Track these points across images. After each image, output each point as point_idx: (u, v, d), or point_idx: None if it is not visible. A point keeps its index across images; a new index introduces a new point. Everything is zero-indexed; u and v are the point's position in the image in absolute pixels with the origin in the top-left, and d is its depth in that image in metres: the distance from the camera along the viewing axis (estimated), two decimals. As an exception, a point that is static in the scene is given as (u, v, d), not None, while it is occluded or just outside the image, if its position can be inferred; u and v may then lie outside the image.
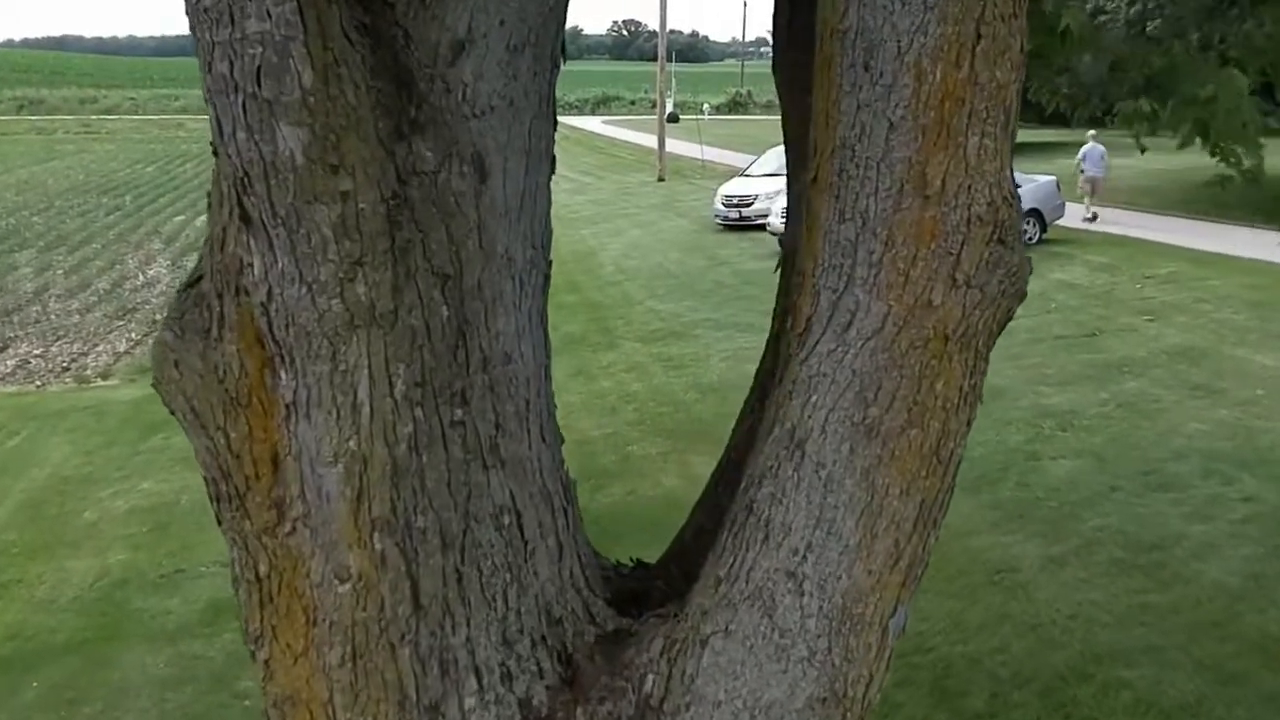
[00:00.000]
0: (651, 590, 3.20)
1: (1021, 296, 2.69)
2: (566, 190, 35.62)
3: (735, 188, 25.95)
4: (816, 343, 2.65)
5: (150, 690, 7.67)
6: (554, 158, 3.03)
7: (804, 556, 2.68)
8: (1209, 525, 8.18)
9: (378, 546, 2.69)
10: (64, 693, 8.01)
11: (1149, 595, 7.29)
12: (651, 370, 14.47)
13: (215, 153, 2.57)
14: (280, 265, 2.54)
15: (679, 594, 3.12)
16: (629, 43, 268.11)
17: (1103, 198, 22.64)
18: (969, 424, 2.74)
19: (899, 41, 2.43)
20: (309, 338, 2.59)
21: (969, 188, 2.51)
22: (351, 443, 2.66)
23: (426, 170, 2.61)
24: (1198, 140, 3.36)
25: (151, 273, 25.20)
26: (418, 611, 2.72)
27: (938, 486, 2.71)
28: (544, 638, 2.86)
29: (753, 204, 24.45)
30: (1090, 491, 9.01)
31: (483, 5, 2.72)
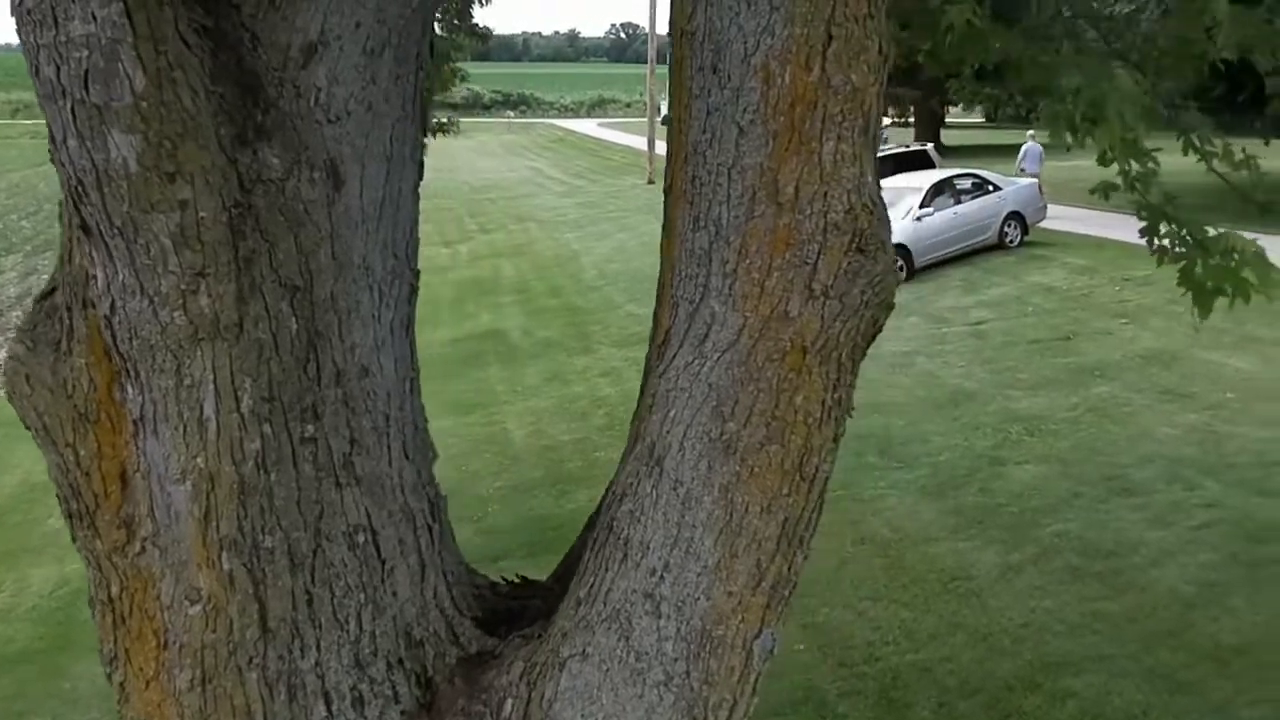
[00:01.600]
0: (527, 609, 3.10)
1: (888, 307, 2.60)
2: (555, 194, 35.55)
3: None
4: (674, 355, 2.56)
5: (100, 701, 7.59)
6: (421, 163, 2.93)
7: (661, 577, 2.58)
8: (1168, 531, 8.09)
9: (225, 567, 2.60)
10: (14, 704, 7.92)
11: (1103, 603, 7.19)
12: (626, 375, 14.37)
13: (53, 160, 2.48)
14: (121, 277, 2.45)
15: (555, 610, 3.02)
16: (627, 45, 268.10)
17: (1090, 200, 22.47)
18: (836, 439, 2.65)
19: (745, 43, 2.34)
20: (153, 351, 2.50)
21: (825, 195, 2.42)
22: (199, 459, 2.57)
23: (273, 178, 2.51)
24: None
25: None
26: (266, 634, 2.63)
27: (802, 504, 2.62)
28: (401, 660, 2.76)
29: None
30: (1052, 497, 8.91)
31: (337, 7, 2.63)
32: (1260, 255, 3.15)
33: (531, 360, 15.55)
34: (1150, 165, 3.43)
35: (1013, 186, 19.84)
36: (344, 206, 2.66)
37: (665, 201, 2.58)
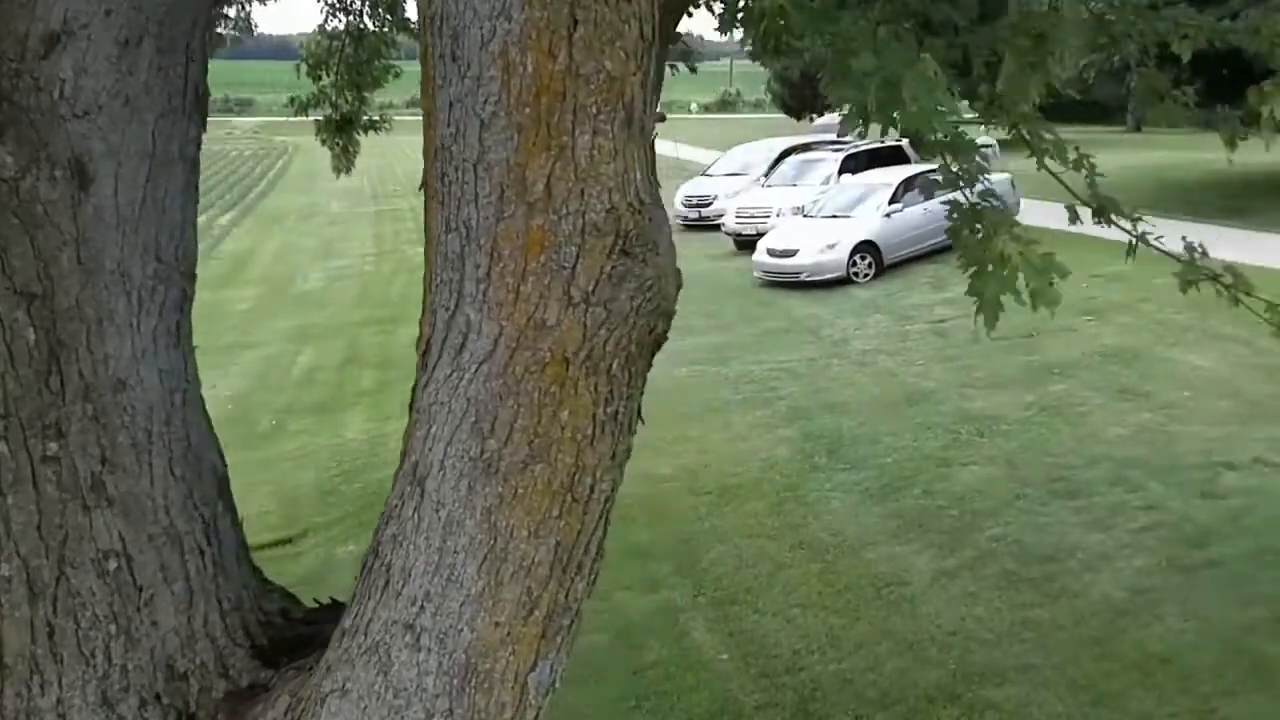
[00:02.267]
0: (318, 636, 2.91)
1: (666, 314, 2.41)
2: (538, 190, 35.32)
3: (695, 187, 25.65)
4: (434, 367, 2.37)
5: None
6: (195, 160, 2.73)
7: (422, 607, 2.39)
8: (1106, 535, 7.90)
9: (-40, 596, 2.41)
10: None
11: (1034, 610, 7.01)
12: (584, 374, 14.19)
13: None
14: None
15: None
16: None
17: (1069, 197, 22.29)
18: (614, 456, 2.46)
19: (482, 28, 2.14)
20: None
21: (581, 193, 2.22)
22: (-72, 481, 2.37)
23: (6, 176, 2.33)
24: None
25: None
26: (1, 670, 2.44)
27: (577, 527, 2.42)
28: (159, 695, 2.57)
29: (712, 204, 24.15)
30: (995, 500, 8.73)
31: (83, -8, 2.45)
32: (1038, 261, 2.93)
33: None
34: (976, 161, 3.25)
35: (988, 182, 19.59)
36: (93, 207, 2.46)
37: (425, 203, 2.39)
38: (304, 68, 8.93)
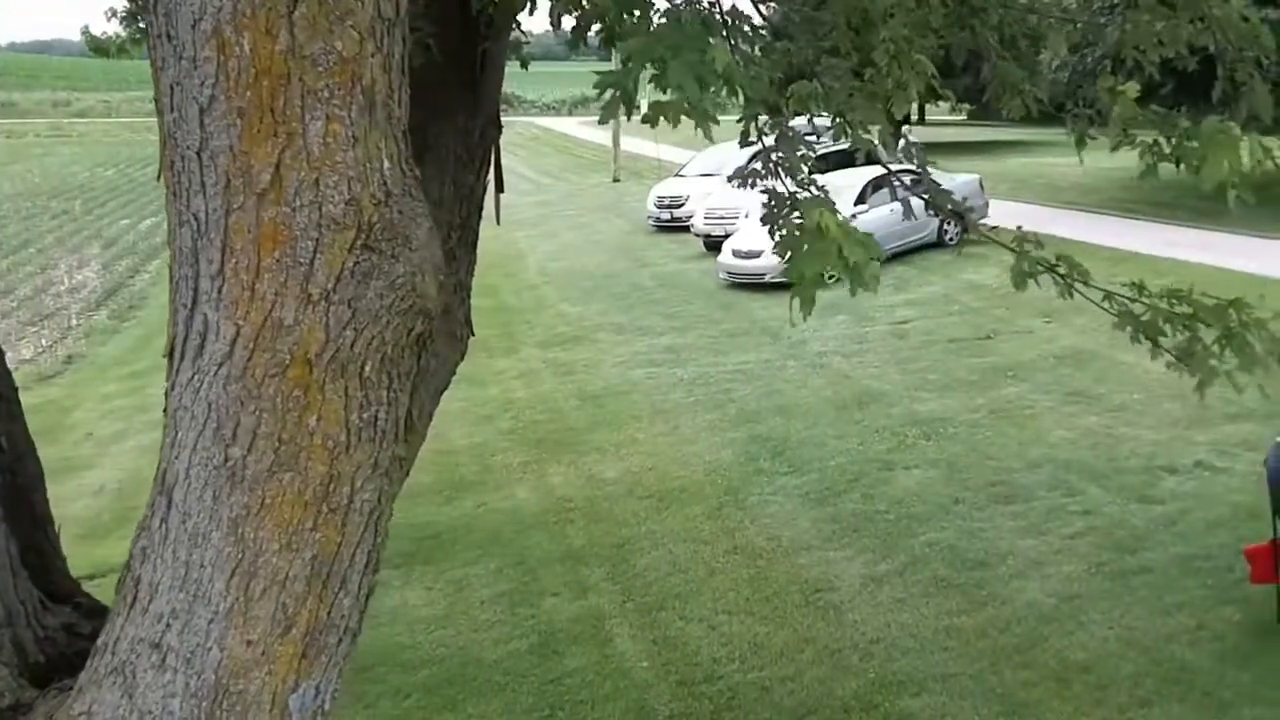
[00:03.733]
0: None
1: (425, 313, 2.27)
2: (519, 191, 35.13)
3: (667, 189, 25.48)
4: (178, 370, 2.23)
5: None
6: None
7: (169, 624, 2.25)
8: (1039, 540, 7.77)
9: None
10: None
11: (959, 617, 6.87)
12: (542, 376, 14.06)
13: None
14: None
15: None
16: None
17: (1045, 197, 22.34)
18: (376, 464, 2.32)
19: (193, 5, 2.00)
20: None
21: (316, 183, 2.09)
22: None
23: None
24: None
25: (79, 277, 24.69)
26: None
27: (336, 540, 2.29)
28: (-95, 718, 2.44)
29: (684, 205, 24.00)
30: (933, 504, 8.59)
31: None
32: (860, 235, 2.80)
33: (452, 362, 15.18)
34: (800, 152, 3.14)
35: (953, 183, 19.48)
36: None
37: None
38: None
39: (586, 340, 15.53)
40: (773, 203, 3.08)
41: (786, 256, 2.87)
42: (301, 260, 2.10)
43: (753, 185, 3.38)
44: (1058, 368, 11.83)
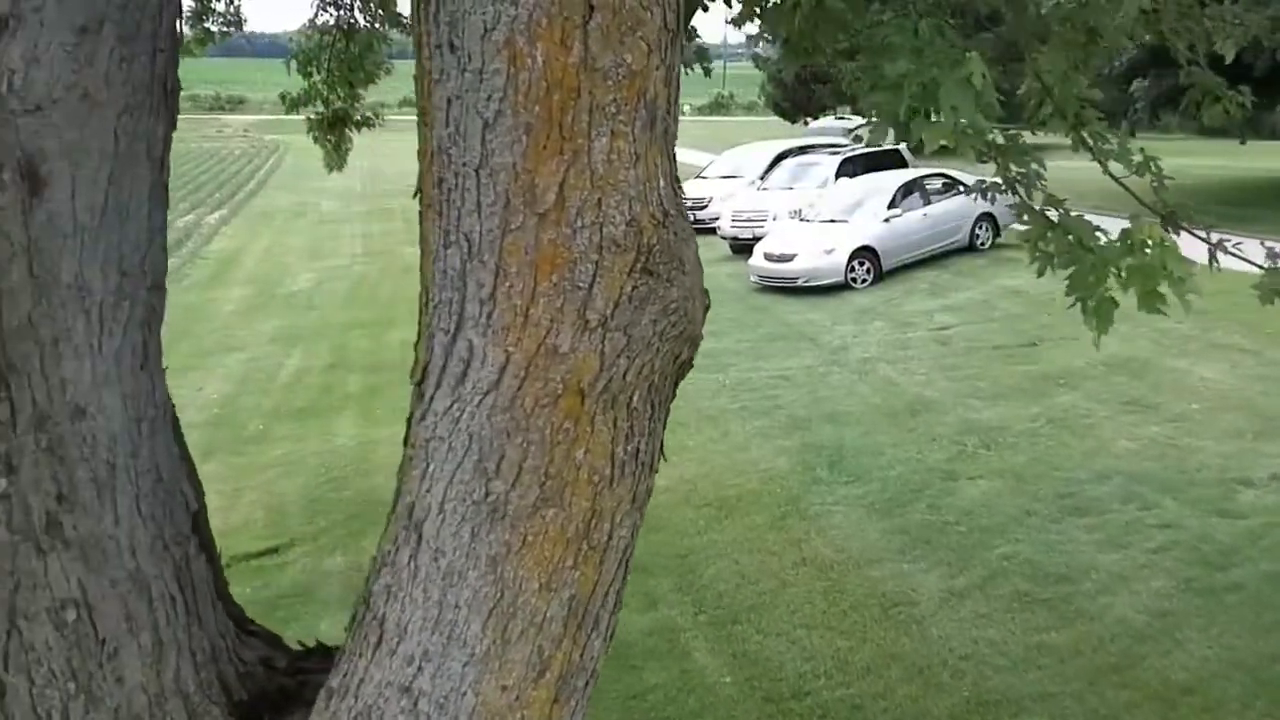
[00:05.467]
0: (306, 688, 2.64)
1: (693, 340, 2.14)
2: (531, 192, 35.05)
3: (689, 190, 25.31)
4: (432, 398, 2.10)
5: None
6: (164, 161, 2.46)
7: (420, 667, 2.13)
8: (1122, 555, 7.65)
9: (-103, 653, 2.14)
10: None
11: (1049, 634, 6.76)
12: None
13: None
14: None
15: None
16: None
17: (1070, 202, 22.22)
18: (635, 499, 2.19)
19: (485, 14, 1.87)
20: None
21: (599, 203, 1.96)
22: None
23: (-53, 179, 2.05)
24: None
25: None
26: (-57, 735, 2.17)
27: (593, 578, 2.16)
28: (122, 762, 2.31)
29: (706, 206, 23.89)
30: (1004, 516, 8.47)
31: (33, -28, 2.18)
32: (1173, 252, 2.69)
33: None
34: (1033, 166, 3.00)
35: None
36: (47, 214, 2.19)
37: (420, 211, 2.12)
38: (294, 64, 8.66)
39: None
40: (1025, 218, 2.95)
41: (1070, 271, 2.74)
42: (580, 284, 1.97)
43: (993, 200, 3.25)
44: (1110, 376, 11.70)
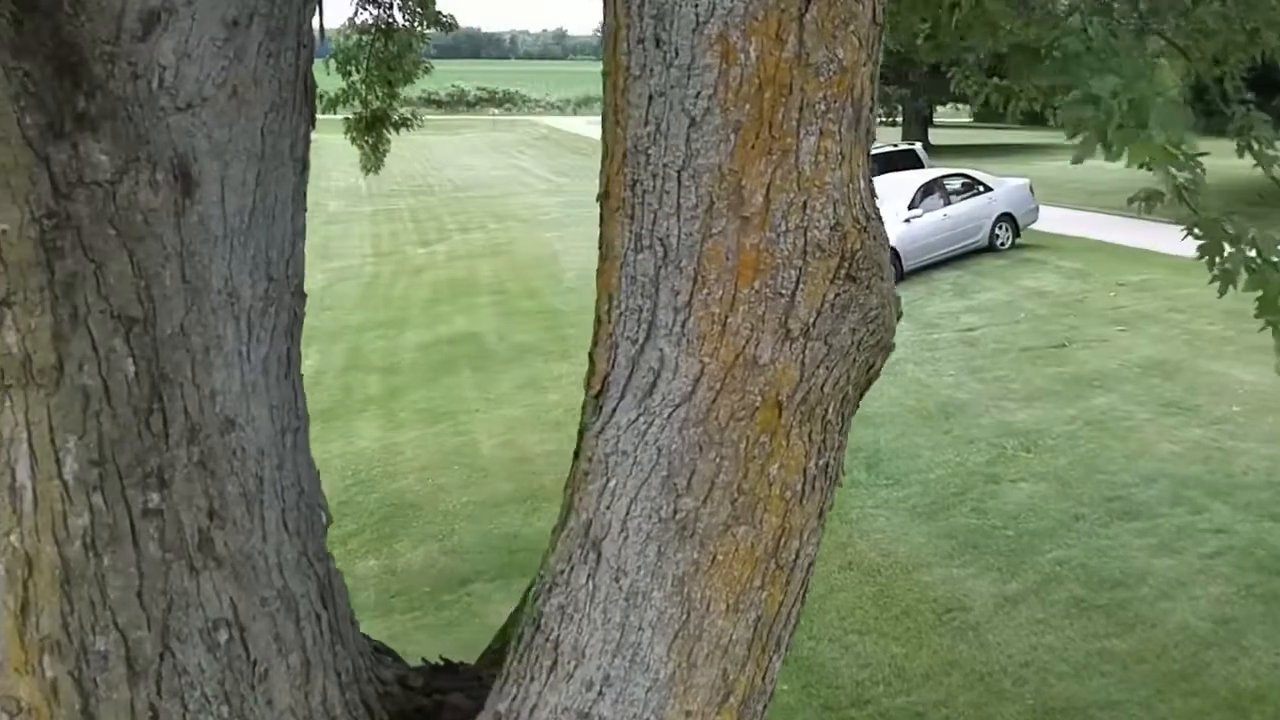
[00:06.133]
0: (444, 709, 2.55)
1: (886, 349, 2.05)
2: (538, 192, 35.00)
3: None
4: (614, 410, 2.00)
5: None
6: (305, 161, 2.36)
7: (601, 692, 2.03)
8: (1176, 560, 7.57)
9: (49, 674, 2.04)
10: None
11: (1110, 640, 6.67)
12: (604, 382, 13.82)
13: None
14: (-100, 305, 1.89)
15: (483, 707, 2.46)
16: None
17: (1083, 201, 22.19)
18: (820, 515, 2.10)
19: (697, 6, 1.78)
20: (-54, 400, 1.94)
21: (804, 206, 1.86)
22: (12, 538, 2.01)
23: (100, 180, 1.95)
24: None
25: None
26: (96, 763, 2.07)
27: (779, 599, 2.07)
28: (274, 788, 2.21)
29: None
30: (1051, 520, 8.38)
31: (186, -37, 2.08)
32: None
33: (506, 366, 14.98)
34: (1198, 172, 2.91)
35: (1004, 187, 19.34)
36: (198, 216, 2.09)
37: (601, 213, 2.02)
38: (333, 64, 8.56)
39: (644, 345, 15.28)
40: (1198, 229, 2.86)
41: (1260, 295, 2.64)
42: (783, 291, 1.87)
43: (1150, 209, 3.14)
44: (1144, 378, 11.62)
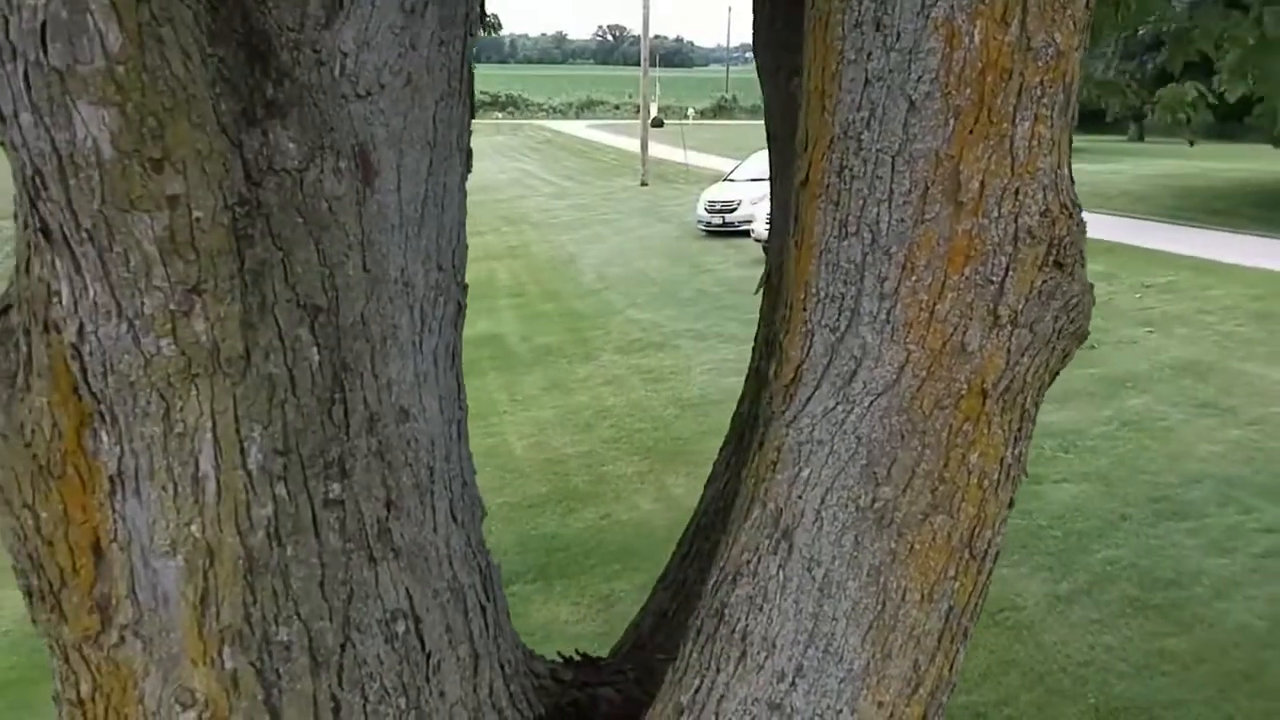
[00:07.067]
0: (598, 701, 2.53)
1: (1082, 337, 2.04)
2: (546, 195, 34.99)
3: (719, 193, 25.29)
4: (809, 399, 1.98)
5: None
6: (469, 152, 2.36)
7: (793, 683, 2.02)
8: (1229, 559, 7.55)
9: (228, 665, 2.03)
10: (-20, 741, 7.31)
11: (1169, 640, 6.64)
12: (630, 383, 13.81)
13: (1, 143, 1.89)
14: (92, 293, 1.87)
15: (633, 701, 2.46)
16: (614, 48, 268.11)
17: (1096, 205, 22.21)
18: (1010, 505, 2.09)
19: (925, -10, 1.77)
20: (134, 389, 1.92)
21: (1016, 192, 1.85)
22: (194, 528, 2.00)
23: (289, 167, 1.94)
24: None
25: None
26: (279, 755, 2.06)
27: (969, 589, 2.06)
28: (450, 782, 2.20)
29: (736, 209, 23.81)
30: (1098, 520, 8.36)
31: (368, -50, 2.07)
32: None
33: (531, 368, 14.96)
34: None
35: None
36: (377, 205, 2.09)
37: (797, 199, 2.01)
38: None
39: (667, 347, 15.29)
40: None
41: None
42: (993, 278, 1.86)
43: None
44: (1177, 379, 11.61)
